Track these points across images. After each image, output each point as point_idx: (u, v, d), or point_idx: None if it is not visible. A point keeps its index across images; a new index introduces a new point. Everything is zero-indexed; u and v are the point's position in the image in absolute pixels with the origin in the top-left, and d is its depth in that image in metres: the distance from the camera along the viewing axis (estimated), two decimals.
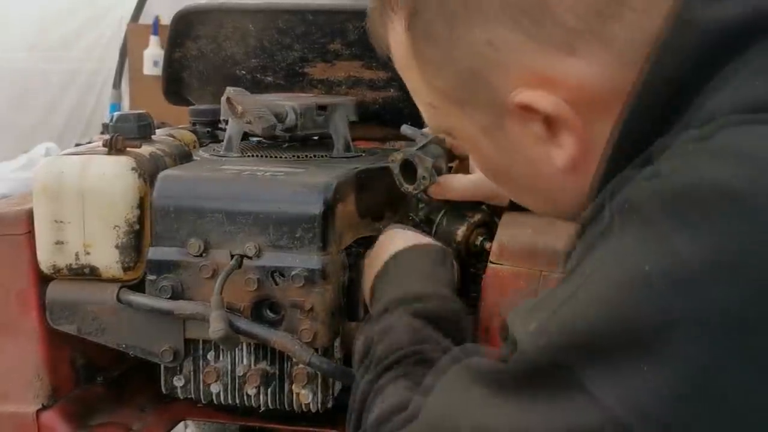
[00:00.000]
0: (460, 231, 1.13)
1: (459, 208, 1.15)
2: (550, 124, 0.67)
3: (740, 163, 0.54)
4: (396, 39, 0.74)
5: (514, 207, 1.06)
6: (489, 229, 1.14)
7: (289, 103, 1.16)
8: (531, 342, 0.58)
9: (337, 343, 1.05)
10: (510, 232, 1.02)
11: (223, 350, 1.05)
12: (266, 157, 1.18)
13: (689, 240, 0.52)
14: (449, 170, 1.18)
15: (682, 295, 0.52)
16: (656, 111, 0.62)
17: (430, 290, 0.94)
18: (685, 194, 0.54)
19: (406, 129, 1.17)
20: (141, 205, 1.03)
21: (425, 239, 1.06)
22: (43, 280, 1.07)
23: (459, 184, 1.13)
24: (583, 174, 0.68)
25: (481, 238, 1.13)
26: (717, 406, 0.51)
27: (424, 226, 1.17)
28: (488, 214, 1.16)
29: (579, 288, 0.57)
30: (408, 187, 1.10)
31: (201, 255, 1.01)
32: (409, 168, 1.10)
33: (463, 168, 1.19)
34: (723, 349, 0.51)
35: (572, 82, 0.65)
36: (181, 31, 1.34)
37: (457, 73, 0.70)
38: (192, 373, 1.06)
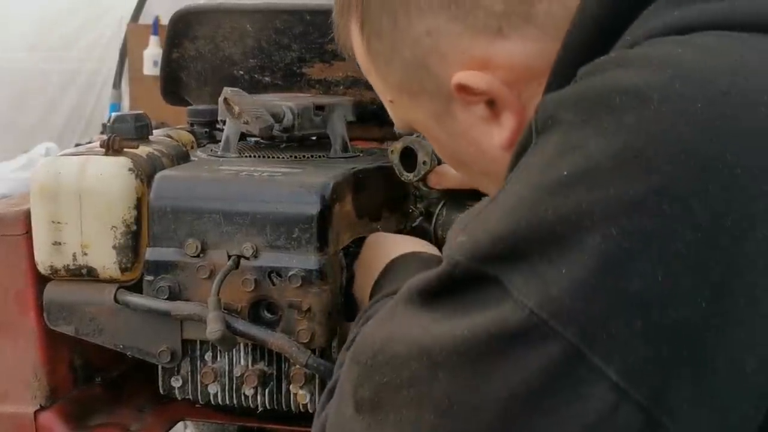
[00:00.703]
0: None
1: (458, 198, 1.15)
2: (492, 105, 0.71)
3: (646, 64, 0.57)
4: (356, 42, 0.79)
5: None
6: None
7: (286, 103, 1.16)
8: (456, 253, 0.58)
9: (334, 343, 1.05)
10: None
11: (220, 351, 1.05)
12: (264, 157, 1.18)
13: (598, 137, 0.54)
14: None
15: (591, 190, 0.53)
16: (582, 59, 0.63)
17: None
18: (594, 96, 0.57)
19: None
20: (138, 205, 1.03)
21: (423, 247, 1.06)
22: (41, 280, 1.07)
23: (455, 172, 1.14)
24: None
25: None
26: (626, 296, 0.51)
27: (424, 219, 1.17)
28: None
29: (499, 196, 0.59)
30: (408, 175, 1.11)
31: (198, 255, 1.01)
32: (408, 156, 1.11)
33: None
34: (629, 238, 0.52)
35: (505, 62, 0.69)
36: (179, 32, 1.34)
37: (404, 65, 0.74)
38: (190, 373, 1.06)
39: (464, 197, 1.15)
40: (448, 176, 1.14)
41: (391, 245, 1.05)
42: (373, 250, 1.07)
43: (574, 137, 0.56)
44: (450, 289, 0.58)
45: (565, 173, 0.54)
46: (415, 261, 1.00)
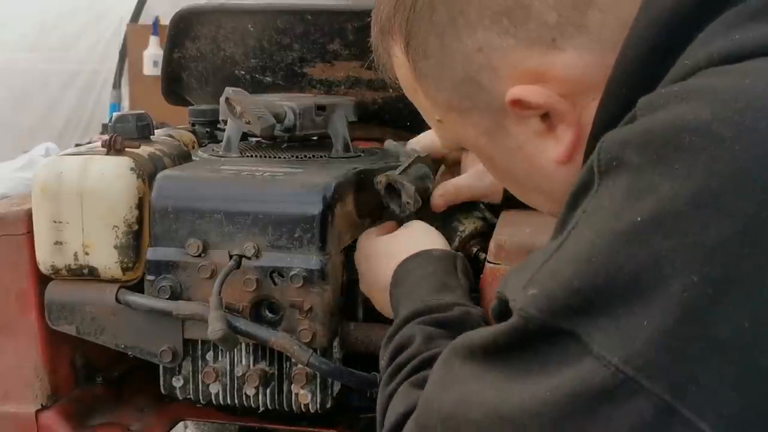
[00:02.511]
0: (452, 247, 1.12)
1: (451, 217, 1.15)
2: (547, 118, 0.70)
3: (713, 98, 0.54)
4: (399, 64, 0.78)
5: (510, 204, 1.07)
6: (485, 238, 1.13)
7: (288, 103, 1.16)
8: (529, 306, 0.56)
9: (336, 343, 1.05)
10: (507, 232, 1.02)
11: (222, 350, 1.05)
12: (265, 157, 1.18)
13: (671, 180, 0.52)
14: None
15: (669, 236, 0.51)
16: (635, 79, 0.62)
17: (447, 300, 0.92)
18: (661, 135, 0.54)
19: (389, 144, 1.16)
20: (140, 205, 1.03)
21: (436, 241, 1.04)
22: (43, 280, 1.07)
23: (455, 189, 1.14)
24: (579, 162, 0.70)
25: (475, 250, 1.14)
26: (714, 344, 0.50)
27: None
28: (483, 223, 1.16)
29: (568, 244, 0.57)
30: (395, 209, 1.11)
31: (200, 255, 1.01)
32: (393, 189, 1.10)
33: (452, 174, 1.19)
34: (712, 285, 0.50)
35: (560, 74, 0.68)
36: (181, 32, 1.34)
37: (453, 83, 0.73)
38: (191, 373, 1.07)
39: (458, 216, 1.16)
40: (452, 195, 1.14)
41: (397, 241, 1.03)
42: (375, 246, 1.05)
43: (644, 180, 0.54)
44: (521, 345, 0.56)
45: (639, 219, 0.52)
46: (431, 263, 0.97)
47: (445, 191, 1.14)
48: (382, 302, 1.02)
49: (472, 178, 1.13)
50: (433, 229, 1.06)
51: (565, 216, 0.60)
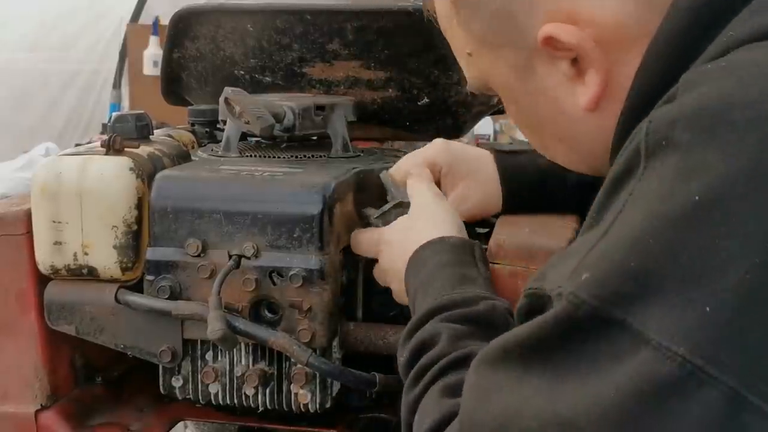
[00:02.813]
0: None
1: None
2: (577, 62, 0.69)
3: (755, 73, 0.54)
4: None
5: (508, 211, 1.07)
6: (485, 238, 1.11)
7: (287, 103, 1.16)
8: (580, 290, 0.53)
9: (335, 343, 1.05)
10: (507, 232, 1.02)
11: (221, 350, 1.05)
12: (264, 157, 1.18)
13: (725, 158, 0.51)
14: None
15: (727, 217, 0.50)
16: (678, 51, 0.62)
17: (470, 293, 0.86)
18: (711, 112, 0.53)
19: (384, 177, 1.12)
20: (139, 205, 1.03)
21: (452, 225, 0.98)
22: (42, 280, 1.07)
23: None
24: (606, 115, 0.70)
25: None
26: None
27: None
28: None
29: (616, 227, 0.54)
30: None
31: (199, 255, 1.01)
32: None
33: None
34: None
35: (599, 19, 0.67)
36: (180, 32, 1.34)
37: (490, 15, 0.73)
38: (190, 373, 1.06)
39: None
40: None
41: (414, 224, 0.99)
42: (390, 230, 1.01)
43: (695, 159, 0.52)
44: (567, 337, 0.53)
45: (694, 200, 0.51)
46: (446, 251, 0.93)
47: None
48: (402, 296, 0.97)
49: (454, 204, 1.07)
50: (451, 210, 1.01)
51: (604, 201, 0.59)
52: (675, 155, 0.54)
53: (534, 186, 1.08)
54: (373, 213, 1.07)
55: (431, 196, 1.02)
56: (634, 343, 0.50)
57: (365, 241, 1.04)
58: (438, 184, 1.09)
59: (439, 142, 1.11)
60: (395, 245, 0.99)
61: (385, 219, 1.05)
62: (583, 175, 0.82)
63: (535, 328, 0.55)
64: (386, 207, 1.07)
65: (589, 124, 0.72)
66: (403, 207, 1.05)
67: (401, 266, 0.96)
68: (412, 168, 1.08)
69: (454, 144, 1.12)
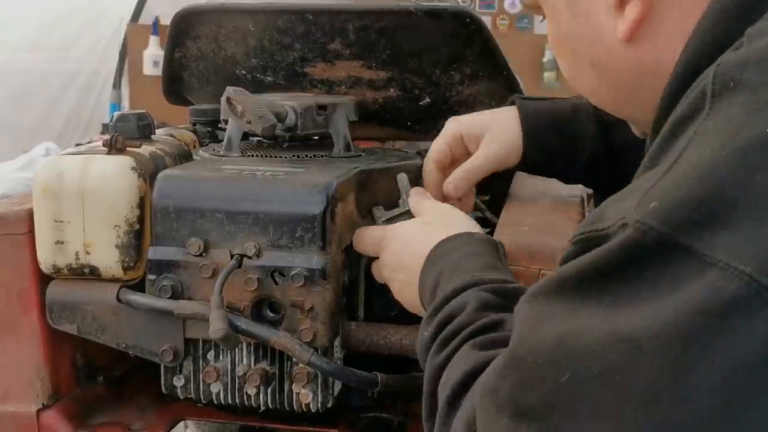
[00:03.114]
0: None
1: None
2: None
3: None
4: None
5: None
6: None
7: (289, 102, 1.16)
8: (647, 217, 0.53)
9: (337, 342, 1.05)
10: (507, 231, 1.02)
11: (223, 350, 1.05)
12: (266, 156, 1.19)
13: None
14: None
15: None
16: (740, 10, 0.63)
17: (501, 277, 0.85)
18: None
19: (401, 179, 1.09)
20: (141, 204, 1.03)
21: (473, 227, 0.98)
22: (44, 279, 1.07)
23: (465, 172, 1.14)
24: (643, 50, 0.71)
25: None
26: None
27: None
28: (482, 222, 1.15)
29: (680, 163, 0.55)
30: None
31: (201, 255, 1.01)
32: None
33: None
34: None
35: None
36: (181, 31, 1.34)
37: None
38: (192, 372, 1.07)
39: None
40: (459, 180, 1.14)
41: (432, 224, 0.98)
42: (404, 228, 1.00)
43: (765, 96, 0.54)
44: (629, 264, 0.53)
45: (764, 131, 0.52)
46: (473, 244, 0.91)
47: (454, 179, 1.14)
48: (405, 289, 0.96)
49: (482, 150, 1.14)
50: (467, 216, 1.01)
51: (663, 144, 0.59)
52: (744, 94, 0.55)
53: (552, 125, 1.14)
54: (381, 215, 1.07)
55: (445, 206, 1.04)
56: (700, 267, 0.51)
57: (368, 238, 1.04)
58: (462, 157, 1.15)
59: (450, 119, 1.18)
60: (402, 240, 0.98)
61: (392, 223, 1.04)
62: (601, 119, 0.81)
63: (594, 258, 0.55)
64: (396, 212, 1.07)
65: (625, 55, 0.73)
66: (410, 215, 1.05)
67: (408, 261, 0.95)
68: (433, 152, 1.16)
69: (467, 115, 1.19)
